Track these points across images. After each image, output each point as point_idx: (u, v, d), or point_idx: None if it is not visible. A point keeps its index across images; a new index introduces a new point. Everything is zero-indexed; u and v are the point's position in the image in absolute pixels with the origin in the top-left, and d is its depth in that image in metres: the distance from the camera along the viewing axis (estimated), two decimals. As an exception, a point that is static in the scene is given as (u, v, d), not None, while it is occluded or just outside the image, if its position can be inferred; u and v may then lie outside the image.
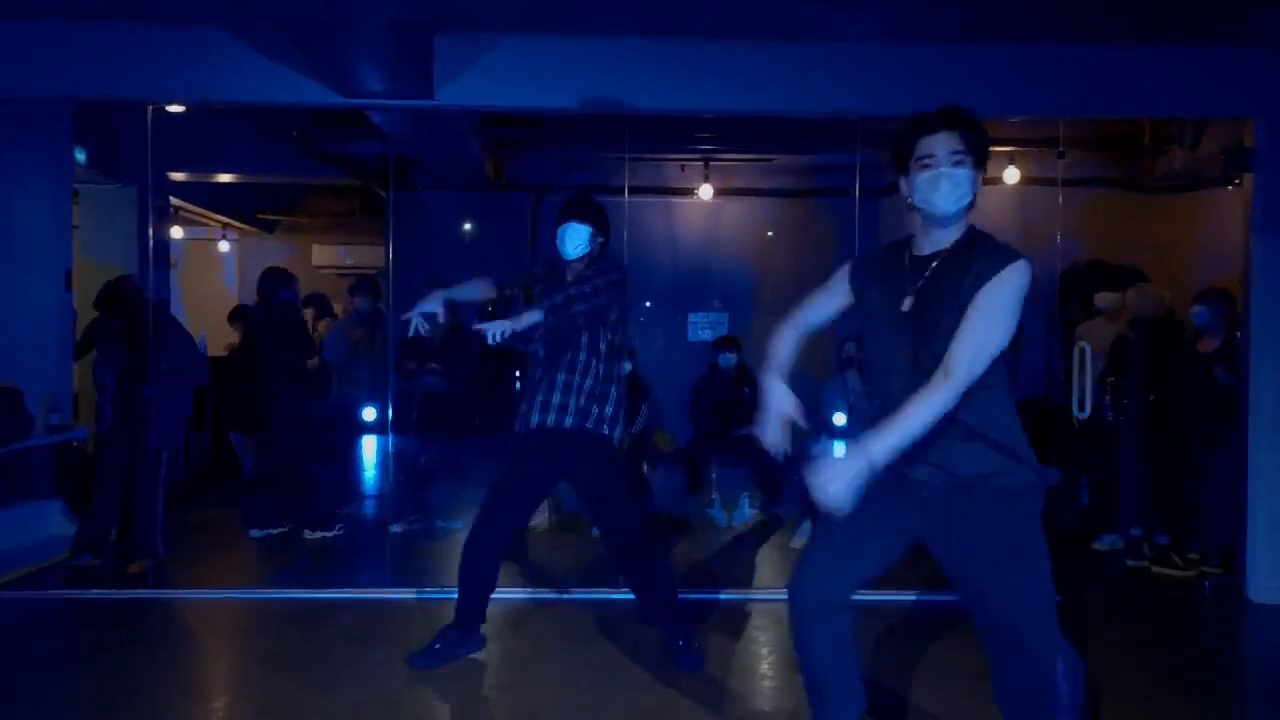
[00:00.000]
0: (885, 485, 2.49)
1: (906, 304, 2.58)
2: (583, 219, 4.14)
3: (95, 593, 5.26)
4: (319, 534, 6.48)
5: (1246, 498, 5.36)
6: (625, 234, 5.55)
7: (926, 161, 2.56)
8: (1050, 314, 6.95)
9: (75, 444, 6.56)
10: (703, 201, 8.49)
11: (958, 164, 2.55)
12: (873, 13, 4.13)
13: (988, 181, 7.97)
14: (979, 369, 2.45)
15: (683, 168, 8.43)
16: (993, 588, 2.56)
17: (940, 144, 2.57)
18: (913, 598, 5.20)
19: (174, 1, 4.85)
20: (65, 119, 6.80)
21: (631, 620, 4.38)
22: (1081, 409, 5.75)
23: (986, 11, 4.29)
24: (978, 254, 2.55)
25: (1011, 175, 7.50)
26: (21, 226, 6.45)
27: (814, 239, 8.23)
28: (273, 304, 6.58)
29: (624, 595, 4.58)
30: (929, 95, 5.12)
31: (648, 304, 8.58)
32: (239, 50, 5.08)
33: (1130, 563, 5.97)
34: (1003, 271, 2.49)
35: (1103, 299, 6.46)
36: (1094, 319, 6.50)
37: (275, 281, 6.61)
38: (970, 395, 2.46)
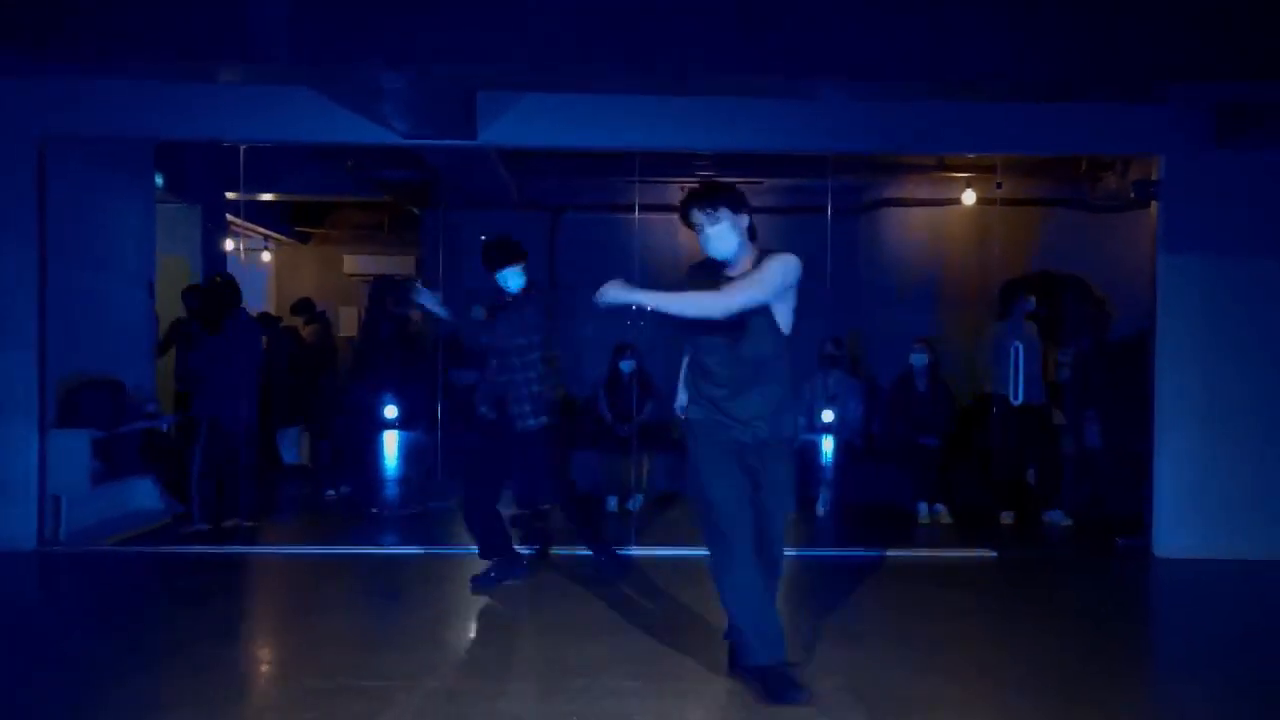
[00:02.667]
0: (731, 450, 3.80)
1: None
2: (518, 262, 5.35)
3: (177, 549, 6.36)
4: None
5: (1154, 472, 6.43)
6: (637, 246, 6.66)
7: (696, 229, 3.78)
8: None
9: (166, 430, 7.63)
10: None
11: (715, 223, 3.72)
12: (836, 82, 5.15)
13: (948, 202, 9.04)
14: (741, 302, 3.66)
15: (682, 189, 9.43)
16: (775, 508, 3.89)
17: (697, 216, 3.76)
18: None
19: (261, 70, 5.83)
20: (149, 149, 7.83)
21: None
22: (1016, 397, 6.80)
23: (937, 84, 5.30)
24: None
25: (969, 197, 8.54)
26: (114, 242, 7.47)
27: (795, 249, 9.24)
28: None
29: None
30: (888, 137, 6.26)
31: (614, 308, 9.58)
32: (311, 98, 6.12)
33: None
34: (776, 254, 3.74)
35: (1015, 306, 7.38)
36: (1007, 319, 7.38)
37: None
38: (773, 368, 3.78)
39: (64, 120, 6.17)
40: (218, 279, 7.26)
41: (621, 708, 3.74)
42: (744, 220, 3.77)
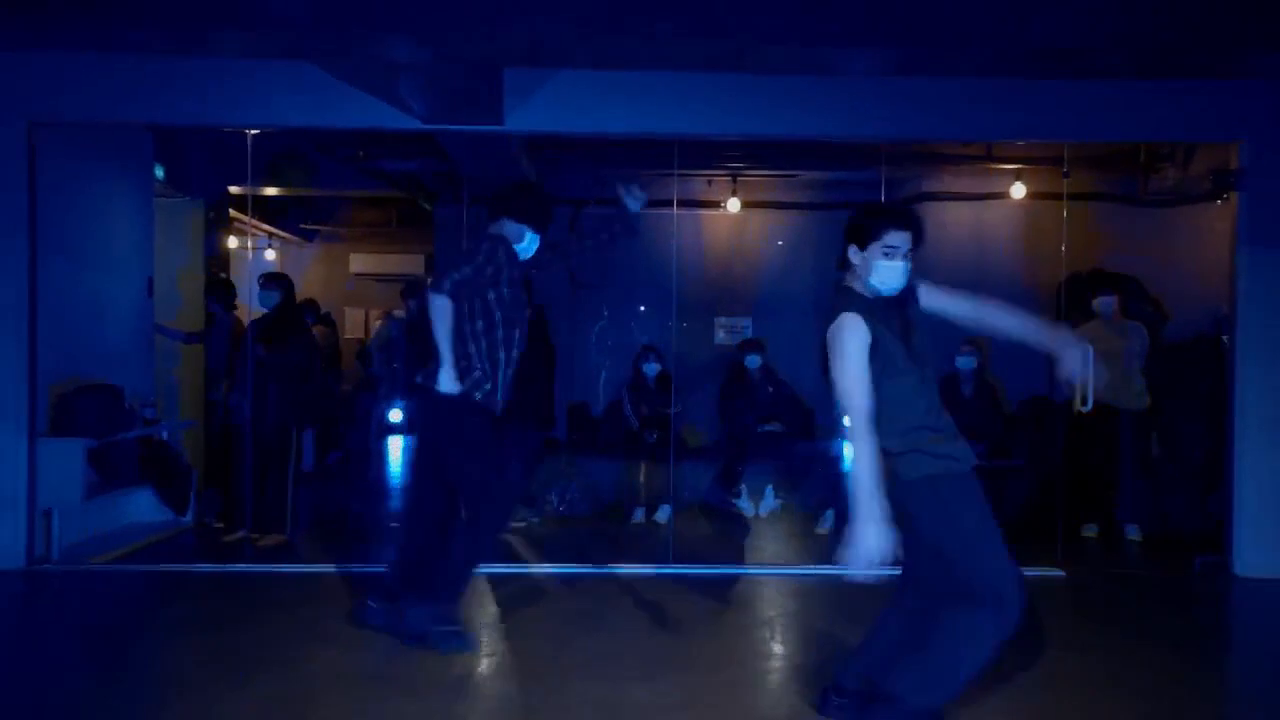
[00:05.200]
0: None
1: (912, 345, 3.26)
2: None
3: (178, 568, 5.89)
4: None
5: (1234, 484, 5.96)
6: (675, 244, 6.17)
7: (891, 252, 3.20)
8: (1055, 319, 7.46)
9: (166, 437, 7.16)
10: (730, 214, 9.07)
11: (908, 257, 3.22)
12: (873, 51, 4.71)
13: (994, 196, 8.59)
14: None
15: (709, 182, 8.99)
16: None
17: (905, 240, 3.21)
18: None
19: (273, 41, 5.38)
20: (148, 140, 7.37)
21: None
22: (1085, 404, 6.29)
23: (990, 55, 4.85)
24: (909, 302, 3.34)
25: (1018, 191, 8.08)
26: (110, 238, 7.02)
27: (834, 248, 8.78)
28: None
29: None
30: (944, 123, 5.80)
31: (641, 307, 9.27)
32: (321, 79, 5.65)
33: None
34: (919, 287, 3.39)
35: (1101, 304, 7.01)
36: (1091, 321, 7.03)
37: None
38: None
39: (55, 104, 5.68)
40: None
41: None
42: None
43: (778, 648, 4.57)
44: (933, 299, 3.37)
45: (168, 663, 4.33)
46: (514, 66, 5.56)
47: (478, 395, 4.29)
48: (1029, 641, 4.60)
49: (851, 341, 3.16)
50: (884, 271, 3.21)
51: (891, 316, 3.25)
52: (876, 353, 3.16)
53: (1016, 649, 4.43)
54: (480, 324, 4.33)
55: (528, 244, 4.44)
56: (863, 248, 3.25)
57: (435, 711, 3.69)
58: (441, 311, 4.26)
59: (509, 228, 4.42)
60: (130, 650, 4.46)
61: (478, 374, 4.30)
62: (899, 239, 3.20)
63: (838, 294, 3.30)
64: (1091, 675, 4.20)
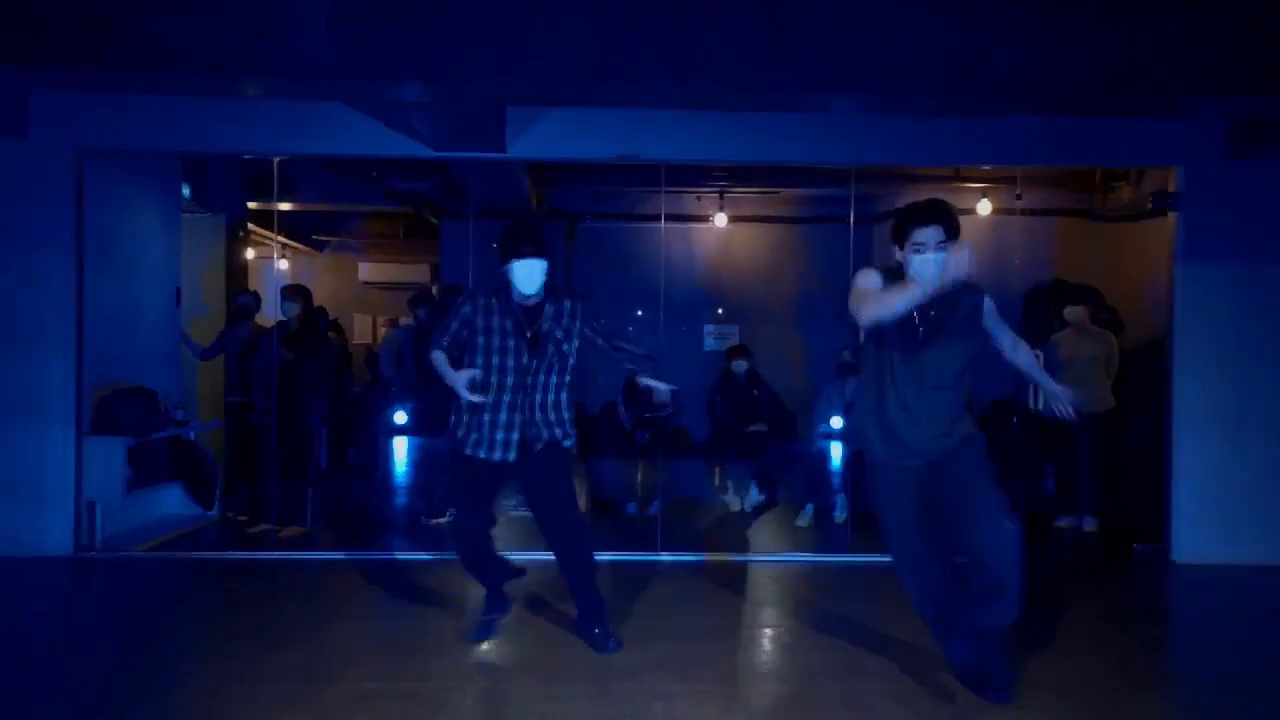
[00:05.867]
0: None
1: (920, 334, 3.69)
2: (543, 253, 4.36)
3: (210, 555, 6.44)
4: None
5: (1171, 478, 6.54)
6: (663, 256, 6.77)
7: (919, 248, 3.55)
8: (1015, 326, 8.00)
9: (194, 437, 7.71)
10: (717, 227, 9.66)
11: (940, 248, 3.54)
12: (864, 95, 5.26)
13: (962, 212, 9.14)
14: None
15: (698, 198, 9.58)
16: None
17: (930, 234, 3.55)
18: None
19: (299, 85, 5.87)
20: (177, 162, 7.93)
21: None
22: (1037, 404, 6.90)
23: (962, 97, 5.40)
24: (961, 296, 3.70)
25: (985, 207, 8.66)
26: (142, 252, 7.58)
27: (813, 259, 9.40)
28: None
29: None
30: (910, 150, 6.36)
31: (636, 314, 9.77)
32: (343, 113, 6.24)
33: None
34: (985, 299, 3.76)
35: (1070, 312, 7.59)
36: (1064, 329, 7.61)
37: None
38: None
39: (101, 134, 6.25)
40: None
41: (670, 711, 3.84)
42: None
43: (754, 622, 5.14)
44: (990, 320, 3.78)
45: (204, 636, 4.89)
46: (516, 105, 6.14)
47: (467, 450, 4.44)
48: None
49: (861, 279, 3.67)
50: (918, 266, 3.53)
51: (929, 308, 3.61)
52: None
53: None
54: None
55: (529, 273, 4.35)
56: (901, 247, 3.65)
57: (450, 672, 4.26)
58: (435, 363, 4.46)
59: (509, 267, 4.38)
60: (170, 626, 5.05)
61: (460, 431, 4.45)
62: (924, 235, 3.53)
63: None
64: (1030, 644, 4.77)
